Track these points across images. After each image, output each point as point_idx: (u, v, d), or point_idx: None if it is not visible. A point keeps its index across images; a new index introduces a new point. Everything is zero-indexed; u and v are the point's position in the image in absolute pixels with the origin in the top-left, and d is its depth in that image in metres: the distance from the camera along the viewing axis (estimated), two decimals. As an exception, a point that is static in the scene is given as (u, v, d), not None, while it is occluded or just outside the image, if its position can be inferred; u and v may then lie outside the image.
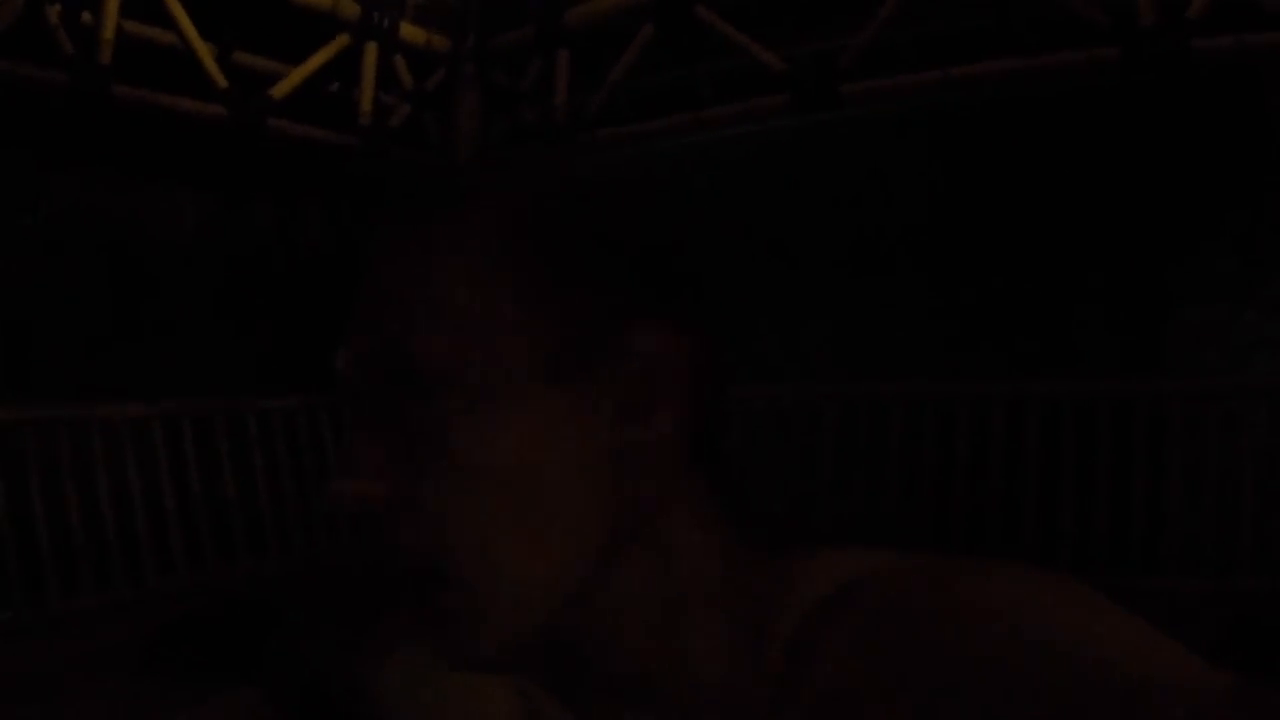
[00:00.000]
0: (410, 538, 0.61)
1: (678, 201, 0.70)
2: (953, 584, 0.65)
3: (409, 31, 6.81)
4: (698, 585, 0.68)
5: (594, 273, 0.65)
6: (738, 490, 0.70)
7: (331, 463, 6.14)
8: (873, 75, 5.74)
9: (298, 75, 6.31)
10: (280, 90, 6.21)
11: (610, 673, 0.67)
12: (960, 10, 5.97)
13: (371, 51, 6.64)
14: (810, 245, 6.56)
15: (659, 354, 0.65)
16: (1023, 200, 6.04)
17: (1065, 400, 5.12)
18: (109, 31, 5.39)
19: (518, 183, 0.69)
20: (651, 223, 0.70)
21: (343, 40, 6.47)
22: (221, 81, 5.92)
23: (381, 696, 0.70)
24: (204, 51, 5.84)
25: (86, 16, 5.58)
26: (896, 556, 0.69)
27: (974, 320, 6.17)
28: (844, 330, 6.49)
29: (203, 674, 3.60)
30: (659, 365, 0.65)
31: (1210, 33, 4.87)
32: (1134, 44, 4.99)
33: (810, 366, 6.39)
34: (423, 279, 0.64)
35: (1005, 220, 6.10)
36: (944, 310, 6.21)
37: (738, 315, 0.68)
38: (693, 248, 0.70)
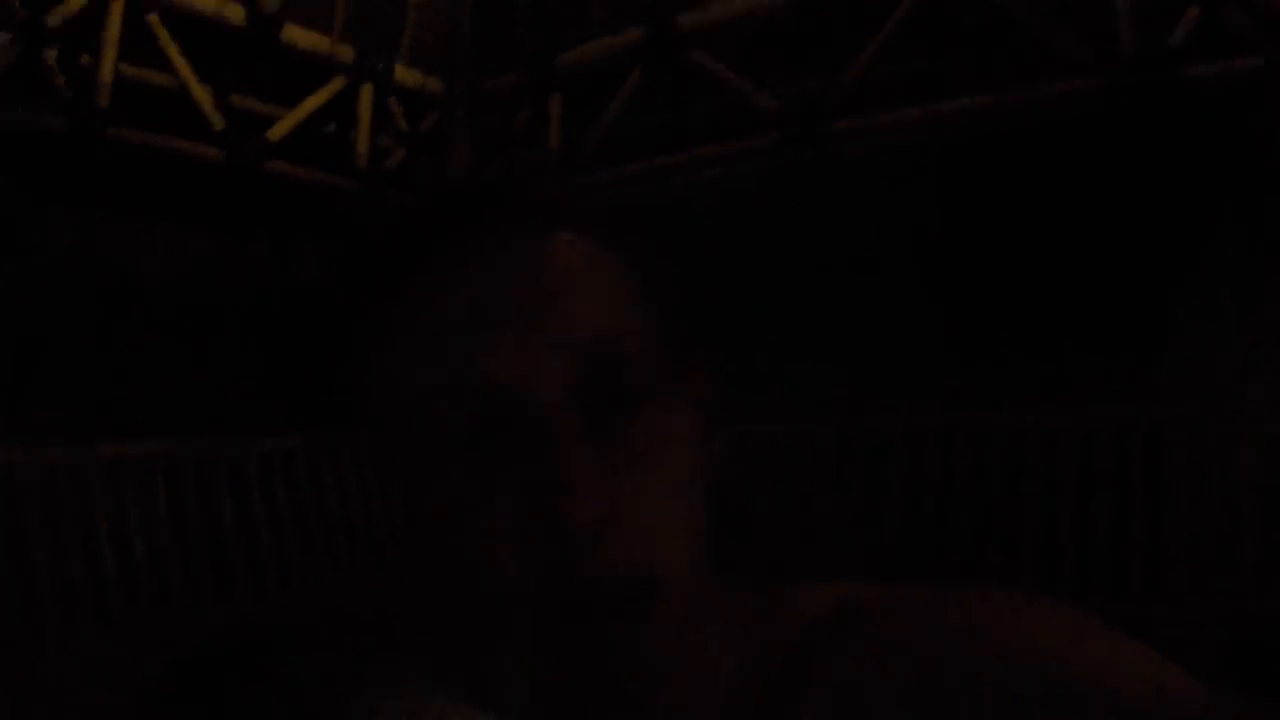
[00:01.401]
0: (624, 553, 0.59)
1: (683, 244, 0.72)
2: (950, 606, 0.66)
3: (403, 74, 6.86)
4: (720, 606, 0.68)
5: (671, 301, 0.67)
6: (741, 522, 0.71)
7: (334, 505, 6.14)
8: (862, 112, 5.79)
9: (294, 118, 6.36)
10: (276, 132, 6.25)
11: (628, 701, 0.66)
12: (944, 48, 6.03)
13: (367, 94, 6.69)
14: (803, 280, 6.58)
15: (712, 393, 0.68)
16: (1017, 229, 6.07)
17: (1064, 430, 5.12)
18: (107, 75, 5.43)
19: (590, 205, 0.68)
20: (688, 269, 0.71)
21: (338, 83, 6.52)
22: (219, 123, 5.96)
23: None
24: (201, 94, 5.88)
25: (84, 59, 5.63)
26: (881, 585, 0.70)
27: (969, 349, 6.17)
28: (838, 363, 6.50)
29: (203, 714, 3.58)
30: (713, 402, 0.68)
31: (1193, 60, 4.91)
32: (1116, 75, 5.03)
33: (806, 402, 6.40)
34: (617, 286, 0.64)
35: (999, 250, 6.12)
36: (938, 341, 6.22)
37: (733, 352, 0.69)
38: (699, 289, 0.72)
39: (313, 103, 6.42)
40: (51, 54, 5.38)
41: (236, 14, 5.99)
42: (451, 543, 0.62)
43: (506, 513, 0.59)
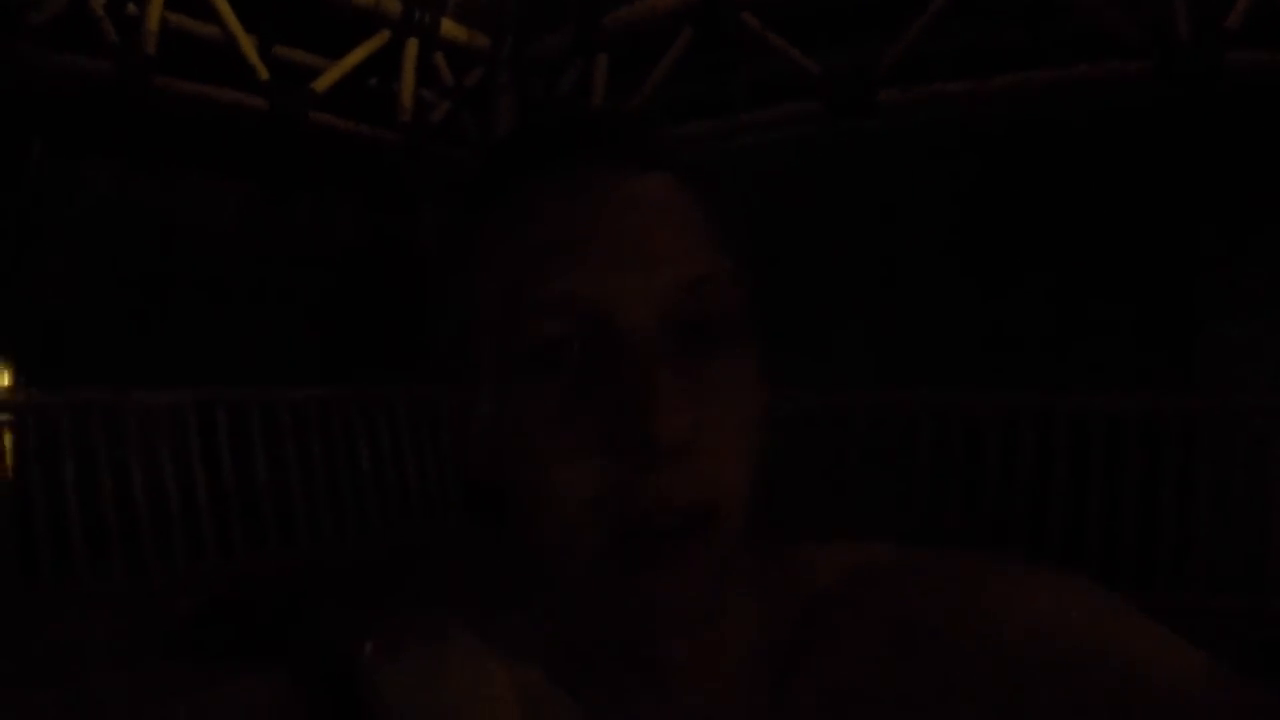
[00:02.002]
0: (696, 477, 0.61)
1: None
2: (965, 577, 0.67)
3: (450, 29, 6.84)
4: (749, 567, 0.69)
5: (743, 252, 0.68)
6: (769, 490, 0.72)
7: (366, 455, 6.20)
8: (909, 84, 5.72)
9: (339, 70, 6.35)
10: (321, 84, 6.25)
11: (645, 657, 0.68)
12: (996, 22, 5.95)
13: (412, 47, 6.67)
14: (842, 252, 6.55)
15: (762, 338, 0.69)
16: (1055, 213, 6.01)
17: (1095, 416, 5.09)
18: (154, 23, 5.45)
19: (682, 151, 0.70)
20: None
21: (384, 36, 6.51)
22: (264, 73, 5.97)
23: (385, 691, 0.69)
24: (247, 44, 5.89)
25: (131, 8, 5.65)
26: (894, 549, 0.71)
27: (1004, 332, 6.14)
28: (875, 337, 6.48)
29: (229, 657, 3.64)
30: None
31: (1246, 46, 4.83)
32: (1168, 58, 4.95)
33: (840, 373, 6.38)
34: (704, 229, 0.66)
35: (1037, 233, 6.07)
36: (974, 321, 6.19)
37: (769, 319, 0.69)
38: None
39: (358, 55, 6.42)
40: (100, 2, 5.39)
41: (284, -36, 6.01)
42: (534, 459, 0.63)
43: (591, 426, 0.61)
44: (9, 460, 4.94)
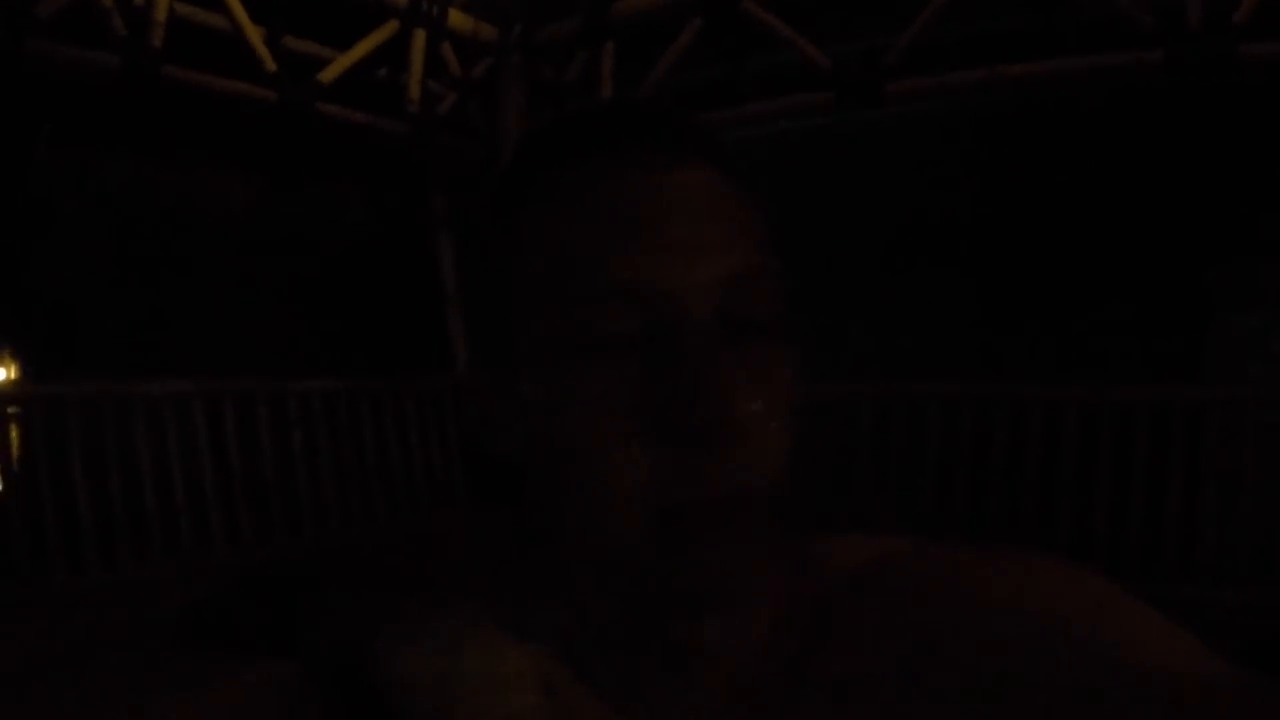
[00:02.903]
0: (743, 463, 0.62)
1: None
2: (979, 570, 0.68)
3: (457, 19, 6.83)
4: (770, 556, 0.69)
5: (779, 245, 0.69)
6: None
7: (372, 447, 6.21)
8: (917, 74, 5.70)
9: (346, 60, 6.35)
10: (329, 75, 6.25)
11: (669, 641, 0.68)
12: (1006, 10, 5.94)
13: (419, 38, 6.67)
14: (851, 242, 6.55)
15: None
16: (1064, 203, 6.00)
17: (1103, 406, 5.08)
18: (161, 14, 5.44)
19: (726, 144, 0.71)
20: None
21: (391, 26, 6.50)
22: (271, 65, 5.96)
23: (399, 677, 0.70)
24: (254, 35, 5.89)
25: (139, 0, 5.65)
26: (907, 542, 0.72)
27: (1012, 322, 6.13)
28: (883, 328, 6.47)
29: (238, 648, 3.65)
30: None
31: (1257, 36, 4.81)
32: (1179, 47, 4.94)
33: (848, 364, 6.38)
34: (748, 222, 0.67)
35: (1046, 223, 6.07)
36: (983, 311, 6.19)
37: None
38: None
39: (365, 46, 6.41)
40: (107, -7, 5.39)
41: (292, -45, 6.01)
42: (590, 443, 0.63)
43: (653, 412, 0.62)
44: (16, 453, 4.95)
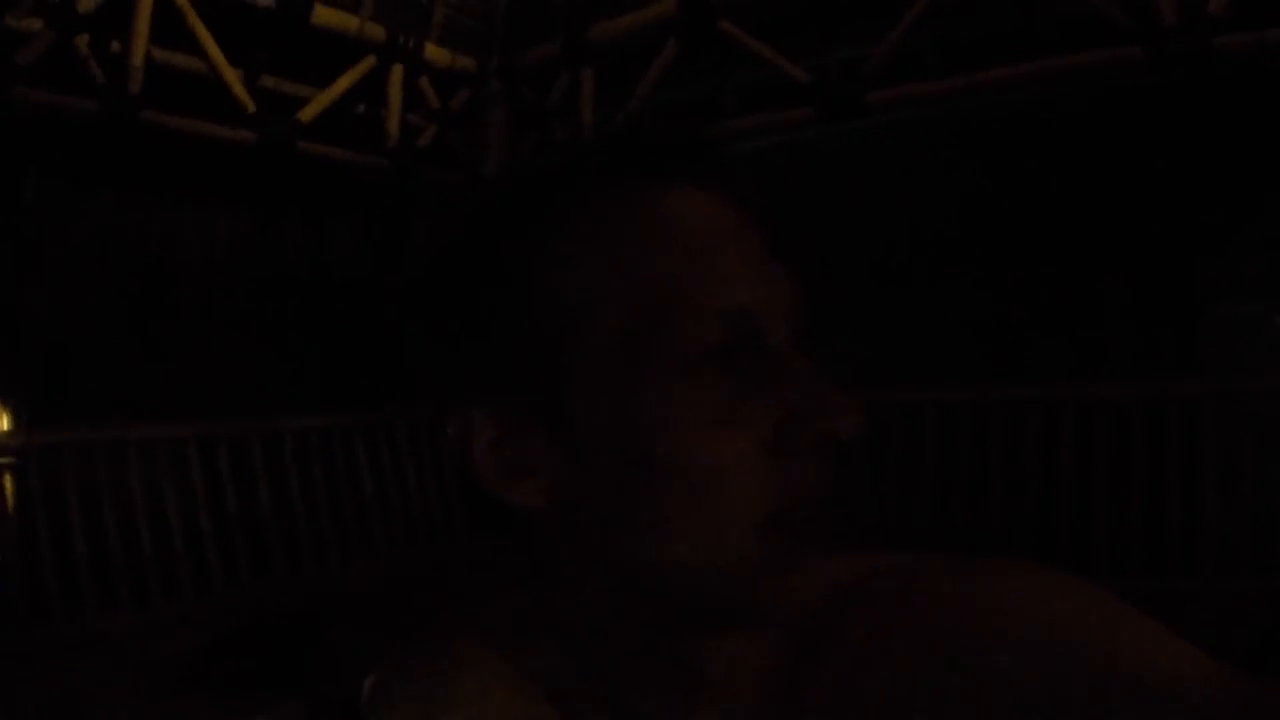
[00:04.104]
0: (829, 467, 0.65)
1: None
2: (962, 583, 0.68)
3: (434, 52, 6.86)
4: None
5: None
6: None
7: (369, 484, 6.19)
8: (898, 82, 5.72)
9: (325, 98, 6.37)
10: (308, 113, 6.27)
11: (671, 667, 0.68)
12: (983, 15, 5.96)
13: (397, 73, 6.70)
14: (839, 254, 6.56)
15: None
16: (1051, 202, 6.02)
17: (1099, 403, 5.09)
18: (138, 59, 5.46)
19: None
20: None
21: (369, 63, 6.54)
22: (250, 106, 5.98)
23: (398, 714, 0.70)
24: (232, 76, 5.90)
25: (115, 45, 5.66)
26: (904, 556, 0.73)
27: (1004, 323, 6.14)
28: (874, 337, 6.47)
29: (242, 690, 3.63)
30: None
31: (1231, 29, 4.84)
32: (1156, 43, 4.96)
33: (841, 374, 6.36)
34: (779, 249, 0.69)
35: (1034, 223, 6.08)
36: (974, 315, 6.19)
37: None
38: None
39: (344, 83, 6.44)
40: (83, 40, 5.41)
41: (267, -4, 6.02)
42: (689, 460, 0.63)
43: (758, 428, 0.63)
44: (12, 502, 4.93)
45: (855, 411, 0.63)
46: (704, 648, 0.68)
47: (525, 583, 0.73)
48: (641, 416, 0.63)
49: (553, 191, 0.69)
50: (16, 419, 6.04)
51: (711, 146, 0.70)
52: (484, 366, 0.68)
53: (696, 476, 0.63)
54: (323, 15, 6.10)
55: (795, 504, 0.63)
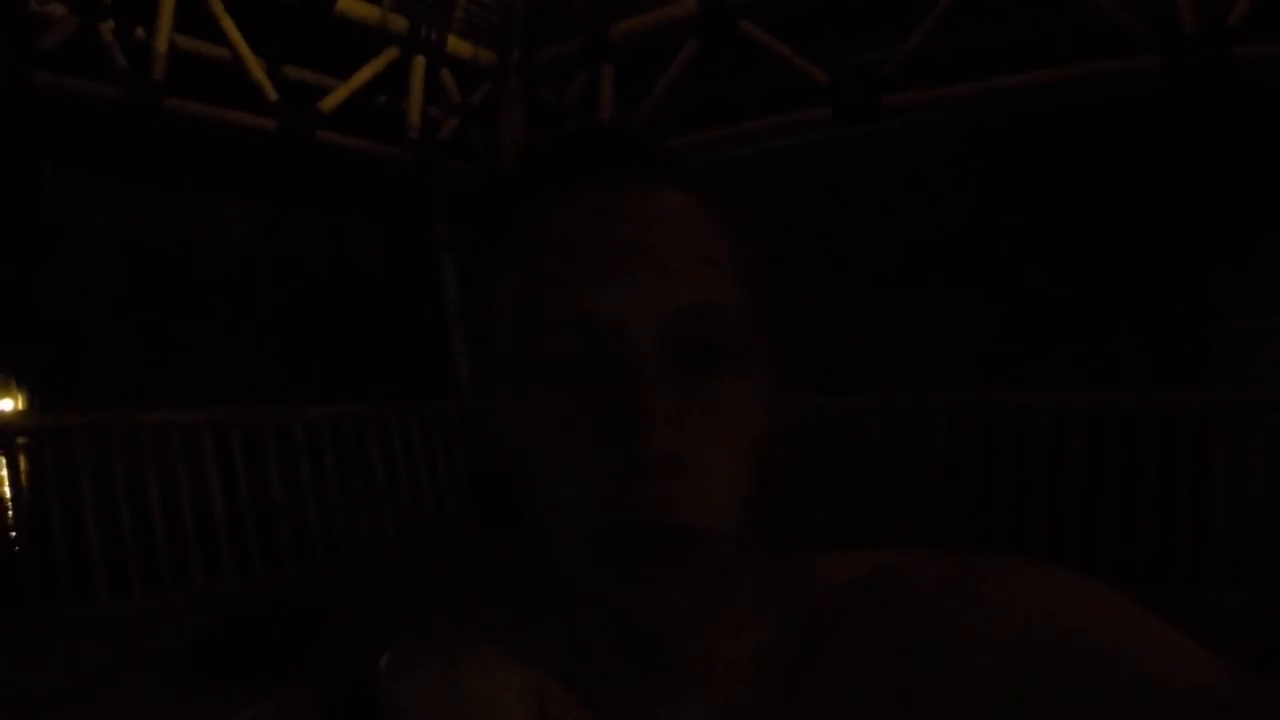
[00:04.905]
0: (684, 495, 0.62)
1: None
2: (964, 578, 0.67)
3: (456, 45, 6.86)
4: (750, 584, 0.70)
5: (758, 269, 0.70)
6: (787, 497, 0.73)
7: (378, 470, 6.21)
8: (914, 86, 5.72)
9: (346, 88, 6.39)
10: (329, 103, 6.28)
11: (662, 665, 0.69)
12: (1001, 21, 5.95)
13: (419, 65, 6.70)
14: (852, 256, 6.55)
15: (786, 373, 0.71)
16: (1065, 210, 6.00)
17: (1109, 411, 5.08)
18: (162, 46, 5.48)
19: (697, 168, 0.71)
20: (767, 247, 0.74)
21: (391, 54, 6.54)
22: (272, 94, 5.99)
23: (401, 703, 0.71)
24: (255, 65, 5.92)
25: (139, 32, 5.68)
26: (907, 552, 0.72)
27: (1016, 331, 6.13)
28: (886, 341, 6.47)
29: (251, 676, 3.65)
30: (785, 382, 0.71)
31: (1252, 39, 4.82)
32: (1175, 52, 4.94)
33: (853, 377, 6.37)
34: (717, 250, 0.67)
35: (1048, 231, 6.06)
36: (987, 321, 6.17)
37: (783, 325, 0.71)
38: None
39: (365, 73, 6.45)
40: (108, 27, 5.43)
41: (291, -14, 6.04)
42: (541, 465, 0.65)
43: (589, 439, 0.62)
44: (25, 483, 4.95)
45: (659, 438, 0.60)
46: (686, 645, 0.68)
47: (526, 569, 0.75)
48: (513, 416, 0.67)
49: (500, 199, 0.71)
50: (31, 401, 6.08)
51: (639, 147, 0.70)
52: (484, 361, 0.72)
53: (536, 484, 0.65)
54: (345, 5, 6.11)
55: (640, 522, 0.61)
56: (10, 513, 5.00)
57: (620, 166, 0.68)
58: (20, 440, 5.07)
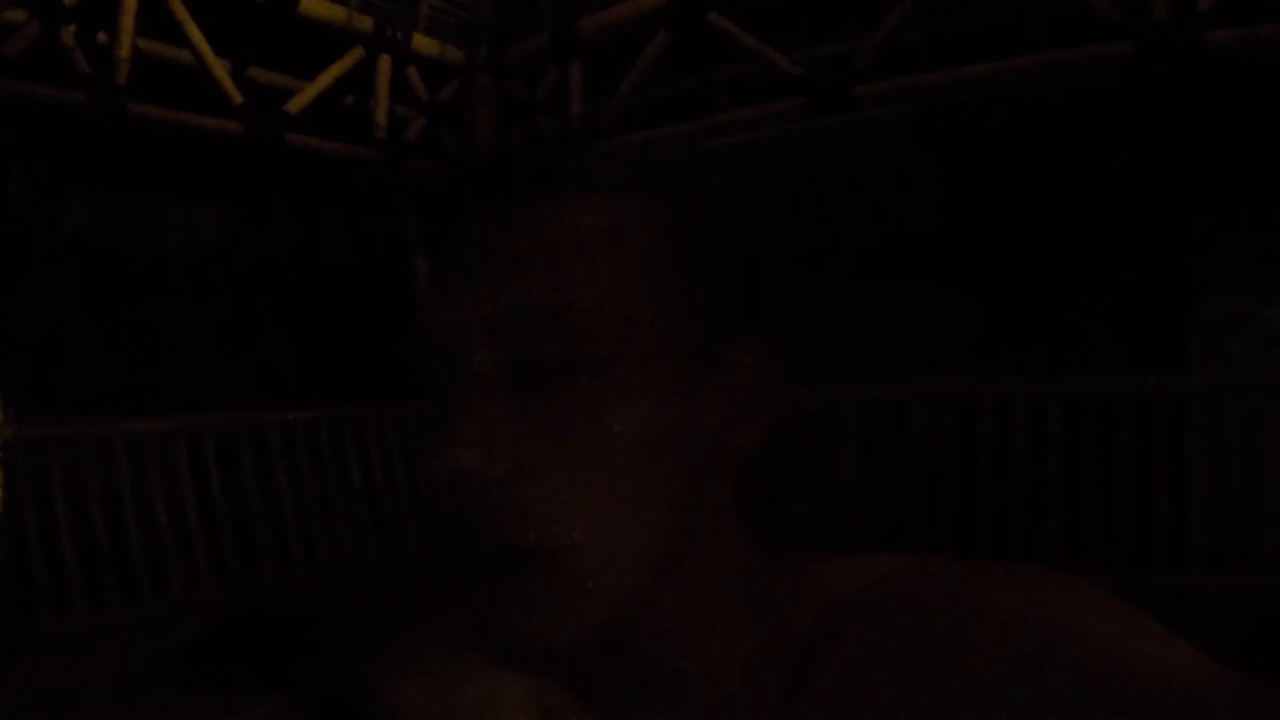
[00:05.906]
0: (515, 512, 0.61)
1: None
2: (968, 588, 0.66)
3: (422, 43, 6.84)
4: (737, 587, 0.69)
5: (715, 280, 0.67)
6: (765, 494, 0.71)
7: (357, 475, 6.18)
8: (887, 76, 5.73)
9: (313, 89, 6.36)
10: (296, 105, 6.25)
11: (652, 671, 0.68)
12: (973, 8, 5.97)
13: (385, 64, 6.68)
14: (827, 248, 6.55)
15: (759, 370, 0.68)
16: (1041, 196, 6.02)
17: (1087, 398, 5.10)
18: (125, 51, 5.43)
19: (648, 177, 0.69)
20: (743, 240, 0.72)
21: (356, 54, 6.51)
22: (237, 97, 5.95)
23: (399, 709, 0.70)
24: (219, 68, 5.88)
25: (102, 36, 5.63)
26: (909, 559, 0.71)
27: (993, 318, 6.15)
28: (863, 333, 6.47)
29: (230, 687, 3.62)
30: (760, 380, 0.68)
31: (1223, 24, 4.85)
32: (1147, 38, 4.97)
33: (830, 369, 6.38)
34: (587, 253, 0.64)
35: (1024, 216, 6.08)
36: (963, 309, 6.19)
37: (758, 322, 0.69)
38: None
39: (331, 74, 6.42)
40: (69, 31, 5.37)
41: (254, -13, 6.00)
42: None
43: (438, 457, 0.61)
44: (-1, 497, 4.91)
45: (450, 460, 0.60)
46: (674, 650, 0.67)
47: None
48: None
49: (453, 219, 0.70)
50: (4, 413, 6.02)
51: (545, 160, 0.69)
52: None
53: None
54: (310, 5, 6.08)
55: (474, 537, 0.62)
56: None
57: (515, 184, 0.67)
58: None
